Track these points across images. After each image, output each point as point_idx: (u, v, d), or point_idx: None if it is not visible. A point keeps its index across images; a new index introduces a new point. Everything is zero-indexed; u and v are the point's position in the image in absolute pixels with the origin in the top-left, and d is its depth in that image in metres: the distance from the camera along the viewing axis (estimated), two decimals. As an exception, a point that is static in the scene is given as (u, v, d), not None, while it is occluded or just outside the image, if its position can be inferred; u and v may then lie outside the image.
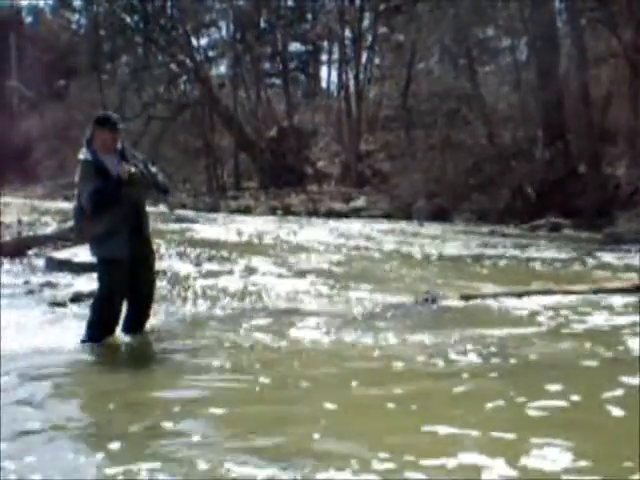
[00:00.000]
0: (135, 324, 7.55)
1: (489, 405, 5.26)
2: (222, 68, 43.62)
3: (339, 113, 37.96)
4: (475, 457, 4.34)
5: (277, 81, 43.41)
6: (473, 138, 28.56)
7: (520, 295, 9.86)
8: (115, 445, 4.52)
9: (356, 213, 27.86)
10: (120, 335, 7.44)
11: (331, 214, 28.05)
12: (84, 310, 8.20)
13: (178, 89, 41.20)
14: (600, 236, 19.20)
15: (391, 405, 5.29)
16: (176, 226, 21.21)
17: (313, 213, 28.65)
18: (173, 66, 40.38)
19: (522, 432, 4.71)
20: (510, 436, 4.66)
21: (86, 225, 7.23)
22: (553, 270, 13.40)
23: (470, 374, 6.07)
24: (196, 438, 4.63)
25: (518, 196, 24.21)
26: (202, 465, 4.17)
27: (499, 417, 5.08)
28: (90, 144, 7.24)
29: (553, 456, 4.36)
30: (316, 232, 20.69)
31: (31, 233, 16.95)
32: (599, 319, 8.39)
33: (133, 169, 7.13)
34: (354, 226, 23.04)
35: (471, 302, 9.50)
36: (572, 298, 9.63)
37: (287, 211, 29.44)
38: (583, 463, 4.27)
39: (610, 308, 9.00)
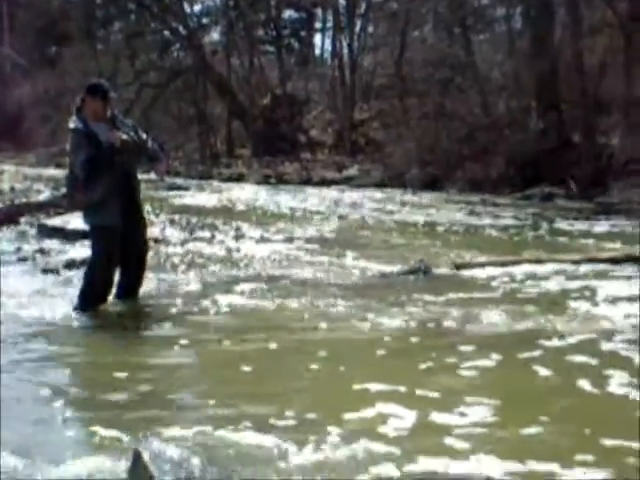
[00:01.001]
0: (128, 291, 7.57)
1: (421, 366, 5.43)
2: (215, 35, 43.35)
3: (333, 81, 37.81)
4: (392, 407, 4.50)
5: (270, 48, 43.17)
6: (467, 107, 28.47)
7: (512, 264, 9.91)
8: (104, 410, 4.56)
9: (349, 182, 27.78)
10: (113, 302, 7.46)
11: (324, 182, 27.99)
12: (77, 277, 8.20)
13: (171, 56, 40.96)
14: (593, 206, 19.23)
15: (315, 366, 5.40)
16: (168, 193, 21.21)
17: (306, 181, 28.59)
18: (166, 33, 40.13)
19: (447, 391, 4.93)
20: (435, 393, 4.86)
21: (79, 194, 7.22)
22: (545, 239, 13.45)
23: (403, 338, 6.24)
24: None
25: (511, 165, 24.19)
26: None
27: (430, 376, 5.29)
28: (80, 112, 7.22)
29: (470, 412, 4.53)
30: (309, 200, 20.71)
31: (24, 200, 16.93)
32: (563, 285, 8.62)
33: (125, 136, 7.12)
34: (347, 195, 23.05)
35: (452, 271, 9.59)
36: (563, 267, 9.71)
37: (280, 179, 29.38)
38: (493, 419, 4.35)
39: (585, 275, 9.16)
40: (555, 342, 6.04)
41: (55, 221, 12.79)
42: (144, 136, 7.54)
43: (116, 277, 7.49)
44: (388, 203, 20.40)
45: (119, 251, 7.30)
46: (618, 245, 11.91)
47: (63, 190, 14.76)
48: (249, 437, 4.12)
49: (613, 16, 23.23)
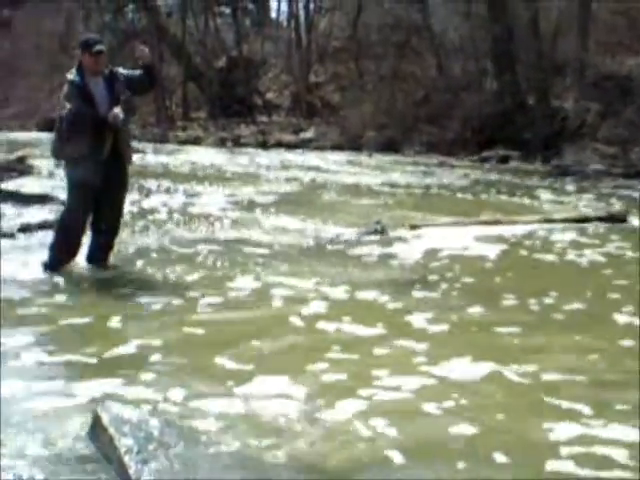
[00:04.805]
0: (99, 254, 7.46)
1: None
2: (170, -4, 42.87)
3: (289, 43, 37.66)
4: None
5: (226, 10, 42.80)
6: (423, 69, 28.54)
7: (468, 225, 10.02)
8: (67, 372, 4.58)
9: (306, 144, 27.81)
10: (83, 265, 7.40)
11: (281, 145, 28.02)
12: (32, 241, 8.17)
13: (126, 18, 40.54)
14: (548, 168, 19.41)
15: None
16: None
17: (262, 144, 28.57)
18: (120, -6, 39.71)
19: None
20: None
21: (62, 144, 7.17)
22: (502, 201, 13.57)
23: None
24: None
25: (467, 128, 24.31)
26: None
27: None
28: (80, 66, 7.22)
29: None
30: (265, 163, 20.69)
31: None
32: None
33: (122, 116, 7.03)
34: (303, 157, 23.06)
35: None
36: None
37: (236, 142, 29.31)
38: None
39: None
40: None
41: (9, 185, 12.67)
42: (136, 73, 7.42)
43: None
44: (345, 165, 20.44)
45: (91, 209, 7.24)
46: (571, 206, 12.10)
47: (17, 153, 14.74)
48: (205, 399, 4.19)
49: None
